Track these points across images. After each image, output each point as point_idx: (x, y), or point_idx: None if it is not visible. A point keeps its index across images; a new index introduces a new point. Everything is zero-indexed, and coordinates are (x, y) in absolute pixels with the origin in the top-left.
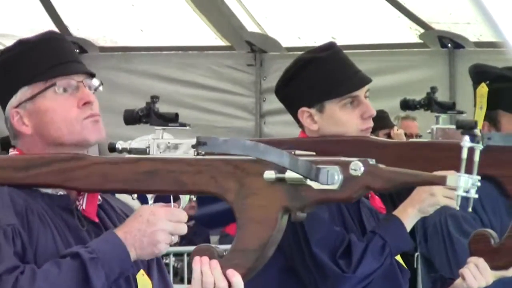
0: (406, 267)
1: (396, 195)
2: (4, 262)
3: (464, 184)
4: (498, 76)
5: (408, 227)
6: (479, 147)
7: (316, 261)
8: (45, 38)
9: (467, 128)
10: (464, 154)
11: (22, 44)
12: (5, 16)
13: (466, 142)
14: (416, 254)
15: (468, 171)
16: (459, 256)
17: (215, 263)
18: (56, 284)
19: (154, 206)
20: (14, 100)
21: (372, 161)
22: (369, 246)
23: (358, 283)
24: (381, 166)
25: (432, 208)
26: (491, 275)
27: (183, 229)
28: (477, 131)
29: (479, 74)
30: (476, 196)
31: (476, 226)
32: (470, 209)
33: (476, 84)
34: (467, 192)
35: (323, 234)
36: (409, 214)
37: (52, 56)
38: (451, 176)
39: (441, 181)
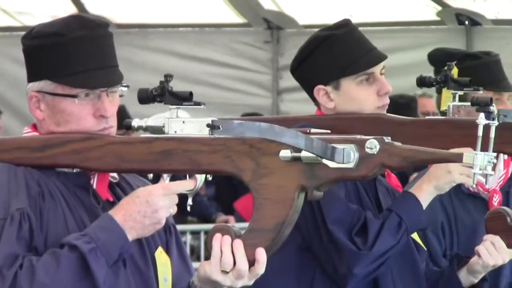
0: (423, 246)
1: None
2: (3, 252)
3: (480, 161)
4: (464, 55)
5: (424, 204)
6: (494, 124)
7: (333, 238)
8: (84, 36)
9: (482, 105)
10: (480, 132)
11: (59, 36)
12: None
13: (481, 119)
14: None
15: (484, 148)
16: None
17: (239, 242)
18: (57, 278)
19: (149, 186)
20: (37, 85)
21: (387, 139)
22: (385, 223)
23: (374, 261)
24: (397, 143)
25: (448, 186)
26: (507, 253)
27: (176, 199)
28: (492, 108)
29: (445, 56)
30: (493, 172)
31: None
32: (487, 186)
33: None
34: (484, 169)
35: (339, 212)
36: (425, 192)
37: (84, 59)
38: (467, 153)
39: (457, 159)
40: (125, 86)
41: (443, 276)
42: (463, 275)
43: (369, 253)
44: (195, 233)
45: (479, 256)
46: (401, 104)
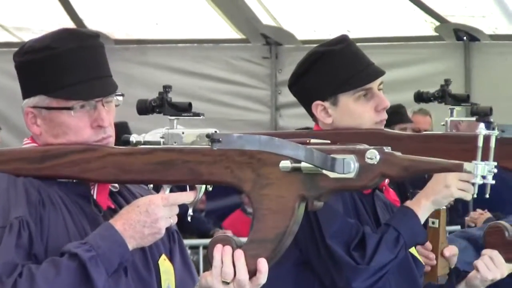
0: (420, 260)
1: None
2: (1, 260)
3: (481, 171)
4: None
5: (422, 218)
6: (494, 134)
7: (331, 253)
8: (75, 48)
9: (482, 115)
10: (480, 142)
11: (50, 49)
12: (20, 10)
13: (481, 129)
14: None
15: (484, 158)
16: None
17: (240, 253)
18: (56, 286)
19: (149, 195)
20: (32, 101)
21: (387, 149)
22: (383, 238)
23: (372, 275)
24: (397, 153)
25: (446, 200)
26: (506, 267)
27: (177, 209)
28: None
29: None
30: (493, 182)
31: None
32: (487, 195)
33: None
34: (484, 178)
35: (337, 226)
36: (423, 206)
37: (77, 71)
38: (468, 163)
39: (458, 169)
40: (120, 95)
41: None
42: None
43: (367, 267)
44: (194, 248)
45: (478, 270)
46: (389, 113)
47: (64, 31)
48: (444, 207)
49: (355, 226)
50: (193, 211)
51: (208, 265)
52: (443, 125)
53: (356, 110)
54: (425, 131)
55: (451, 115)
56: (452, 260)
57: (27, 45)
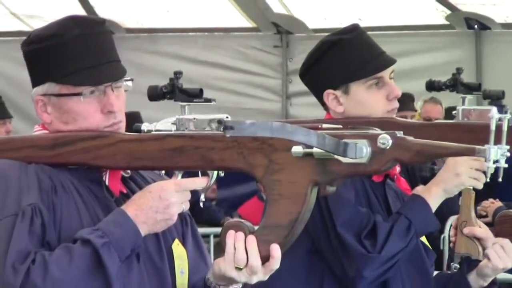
0: (431, 249)
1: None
2: (15, 248)
3: (494, 155)
4: None
5: (433, 207)
6: (507, 117)
7: (342, 241)
8: (82, 34)
9: (494, 98)
10: (493, 125)
11: (57, 37)
12: None
13: (494, 113)
14: (442, 236)
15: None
16: None
17: (252, 239)
18: (70, 272)
19: (162, 181)
20: (41, 89)
21: (399, 134)
22: (394, 227)
23: (383, 264)
24: (409, 138)
25: (457, 189)
26: None
27: (189, 195)
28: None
29: None
30: (506, 165)
31: None
32: (500, 179)
33: None
34: (496, 162)
35: (348, 215)
36: (433, 194)
37: (85, 57)
38: (480, 147)
39: (470, 153)
40: (129, 80)
41: (453, 279)
42: (473, 278)
43: (379, 256)
44: (205, 237)
45: (489, 259)
46: None
47: (69, 18)
48: (470, 187)
49: (366, 215)
50: (204, 200)
51: (219, 254)
52: (455, 113)
53: (368, 99)
54: (436, 120)
55: (463, 103)
56: (483, 244)
57: (33, 34)
